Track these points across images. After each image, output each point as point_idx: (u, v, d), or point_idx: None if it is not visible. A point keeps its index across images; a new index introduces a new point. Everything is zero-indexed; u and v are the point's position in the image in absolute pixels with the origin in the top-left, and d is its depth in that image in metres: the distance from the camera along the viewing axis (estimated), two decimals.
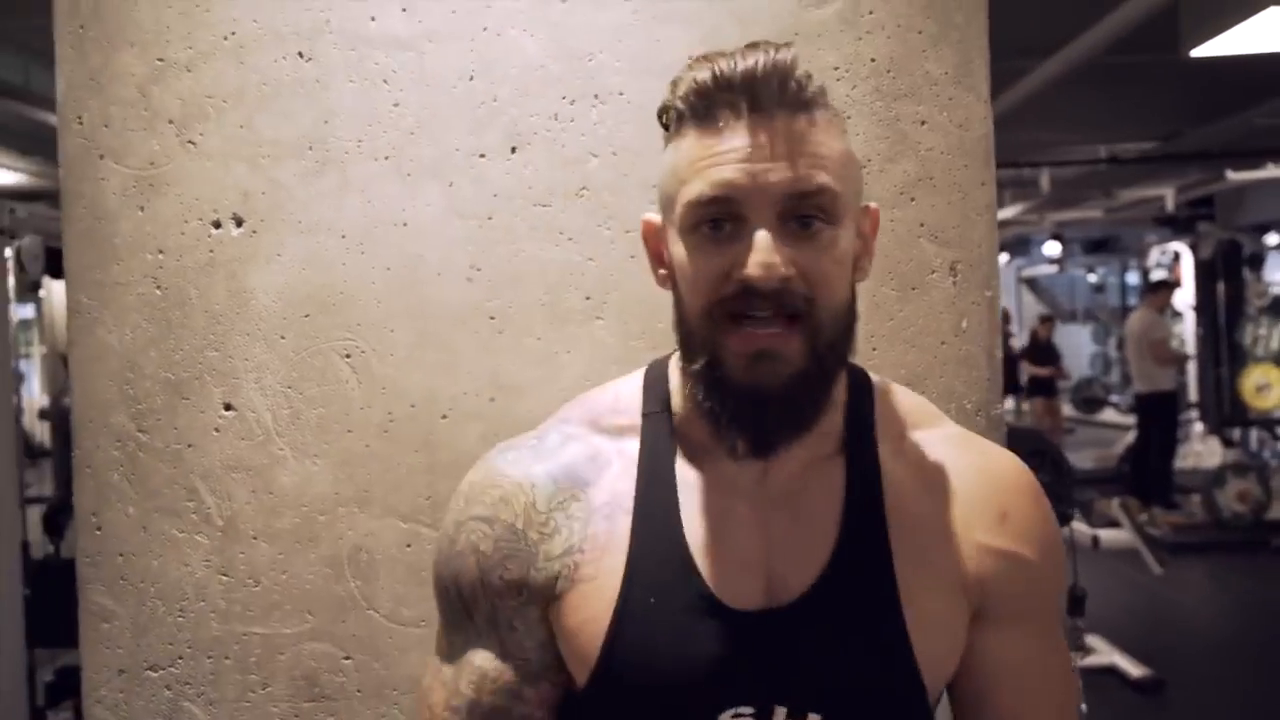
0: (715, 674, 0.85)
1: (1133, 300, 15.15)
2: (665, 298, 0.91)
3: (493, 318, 1.26)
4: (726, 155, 0.80)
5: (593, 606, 0.87)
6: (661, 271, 0.89)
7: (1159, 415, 8.34)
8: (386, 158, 1.26)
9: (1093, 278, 17.74)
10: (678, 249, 0.84)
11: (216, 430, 1.28)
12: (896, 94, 1.26)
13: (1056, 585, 0.95)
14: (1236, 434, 9.81)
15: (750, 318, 0.80)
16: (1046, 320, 11.58)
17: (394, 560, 1.27)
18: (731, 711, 0.85)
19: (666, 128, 0.86)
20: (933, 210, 1.27)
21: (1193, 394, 10.42)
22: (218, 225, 1.28)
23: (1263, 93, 6.34)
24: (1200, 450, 9.63)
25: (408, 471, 1.26)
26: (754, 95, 0.80)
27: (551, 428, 0.95)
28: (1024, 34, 4.75)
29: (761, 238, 0.79)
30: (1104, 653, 4.76)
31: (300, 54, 1.27)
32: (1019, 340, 12.53)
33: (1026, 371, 10.88)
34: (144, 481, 1.29)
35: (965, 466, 0.91)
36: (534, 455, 0.93)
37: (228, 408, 1.28)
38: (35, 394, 9.33)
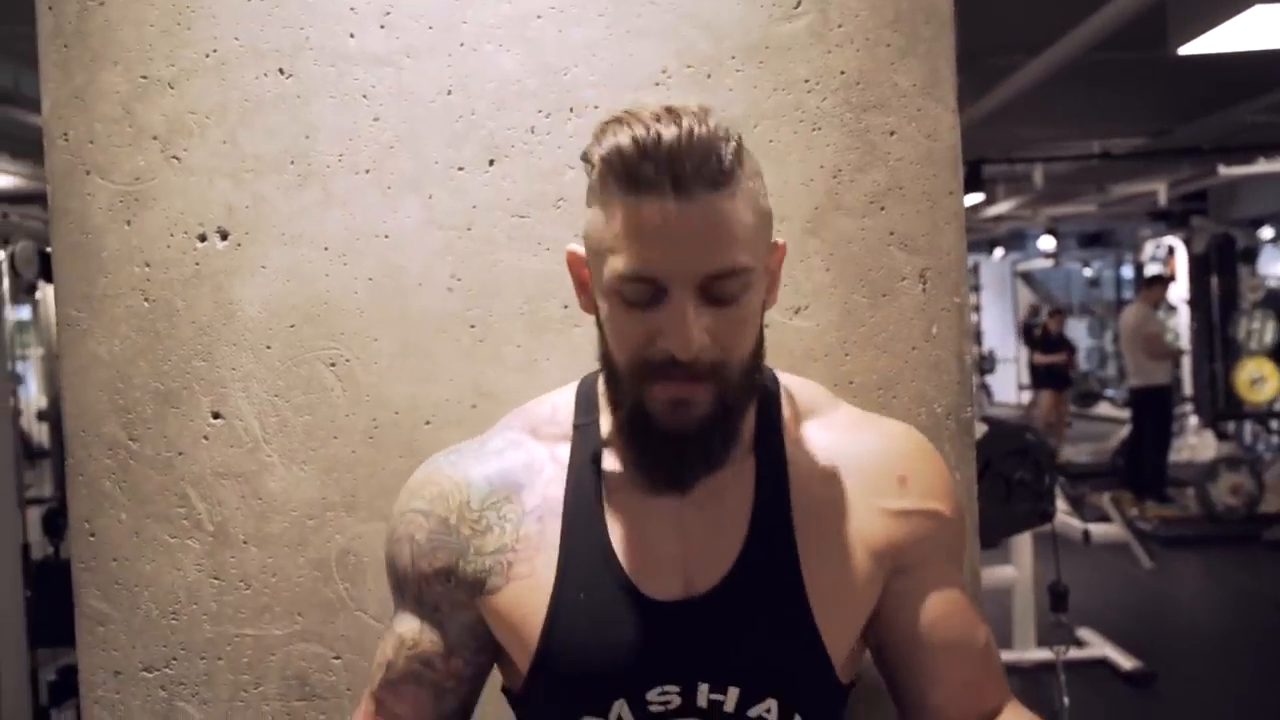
0: (640, 658, 0.94)
1: (1128, 294, 15.15)
2: None
3: (473, 326, 1.28)
4: (651, 235, 0.85)
5: (530, 602, 0.96)
6: (585, 297, 0.97)
7: (1153, 409, 8.34)
8: (367, 171, 1.28)
9: (1088, 272, 17.71)
10: (604, 303, 0.91)
11: (206, 438, 1.30)
12: (866, 105, 1.28)
13: (961, 534, 1.04)
14: (1231, 428, 9.82)
15: (670, 375, 0.89)
16: (1056, 313, 11.51)
17: (381, 563, 1.26)
18: (658, 690, 0.94)
19: (589, 162, 0.91)
20: (902, 219, 1.28)
21: (1187, 388, 10.42)
22: (203, 239, 1.30)
23: (1251, 89, 6.34)
24: (1195, 444, 9.64)
25: (393, 476, 1.28)
26: (676, 173, 0.84)
27: (495, 434, 1.04)
28: (1013, 31, 4.77)
29: (683, 313, 0.86)
30: (1095, 645, 4.79)
31: (281, 70, 1.28)
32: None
33: (1037, 363, 10.83)
34: (136, 489, 1.31)
35: (861, 443, 1.01)
36: (474, 459, 1.02)
37: (216, 416, 1.30)
38: (34, 395, 9.33)
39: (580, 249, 0.96)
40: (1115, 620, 5.18)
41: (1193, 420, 10.20)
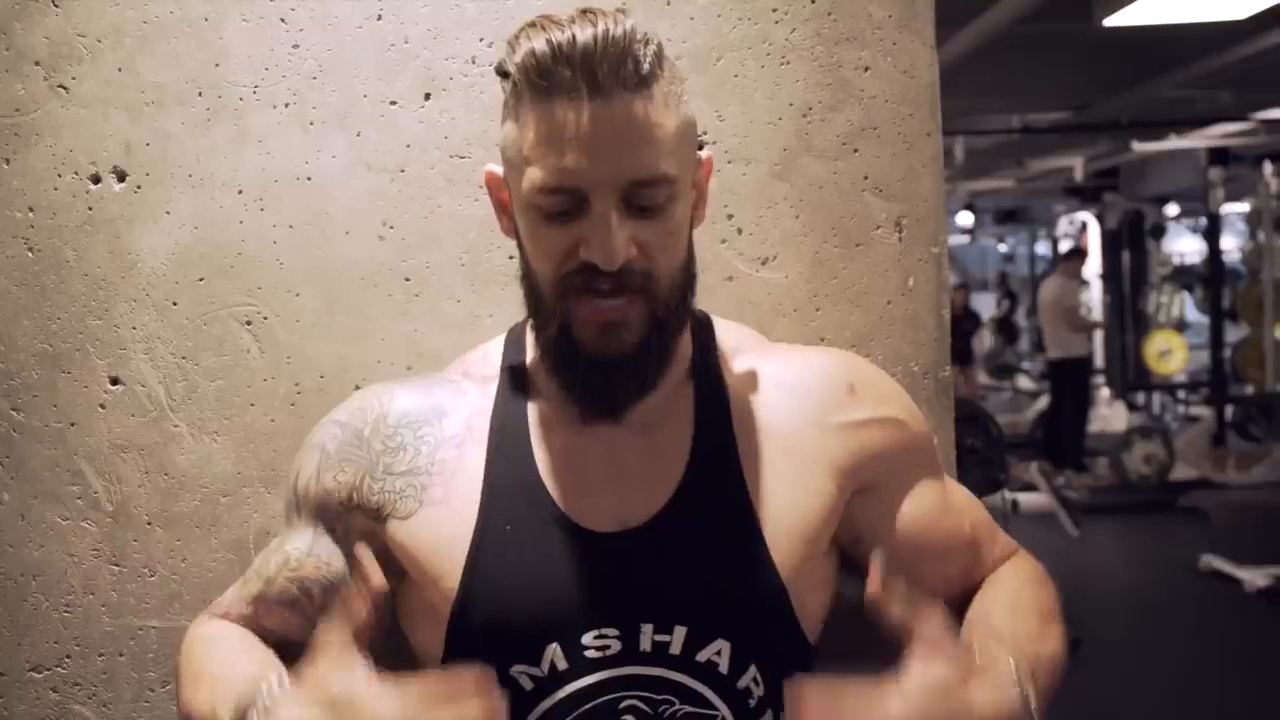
0: (575, 596, 0.89)
1: (1041, 269, 15.53)
2: None
3: (408, 279, 1.23)
4: (568, 141, 0.83)
5: (450, 532, 0.93)
6: (505, 219, 0.95)
7: (1071, 380, 8.57)
8: (286, 105, 1.23)
9: (1003, 247, 18.13)
10: (523, 219, 0.89)
11: (102, 406, 1.24)
12: (838, 38, 1.22)
13: (927, 436, 1.02)
14: (1141, 398, 10.14)
15: (595, 290, 0.86)
16: (960, 288, 11.71)
17: None
18: (595, 633, 0.89)
19: (504, 76, 0.88)
20: (877, 162, 1.23)
21: (1099, 360, 10.74)
22: (96, 180, 1.24)
23: (1171, 64, 6.50)
24: (1107, 414, 9.95)
25: None
26: (592, 76, 0.82)
27: (431, 375, 1.05)
28: (941, 2, 4.75)
29: (605, 222, 0.83)
30: None
31: None
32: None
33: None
34: (21, 465, 1.24)
35: (802, 365, 1.00)
36: (402, 385, 1.02)
37: (114, 382, 1.24)
38: None
39: (499, 169, 0.93)
40: None
41: (1104, 392, 10.51)
